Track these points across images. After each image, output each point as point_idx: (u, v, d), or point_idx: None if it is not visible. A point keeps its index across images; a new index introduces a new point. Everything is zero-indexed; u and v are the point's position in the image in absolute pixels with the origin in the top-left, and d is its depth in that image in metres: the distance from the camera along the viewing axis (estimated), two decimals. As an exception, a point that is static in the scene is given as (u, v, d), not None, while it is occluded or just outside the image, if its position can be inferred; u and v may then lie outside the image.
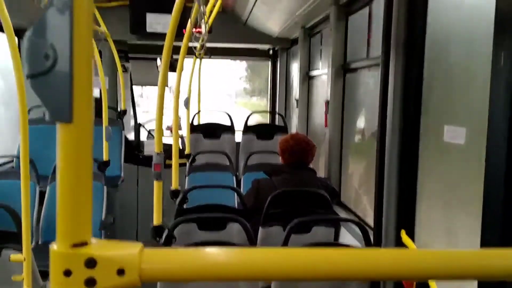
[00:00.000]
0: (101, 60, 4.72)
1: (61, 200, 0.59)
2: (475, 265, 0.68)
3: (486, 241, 1.76)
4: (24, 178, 2.25)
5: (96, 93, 6.11)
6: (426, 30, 2.33)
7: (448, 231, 2.12)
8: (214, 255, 0.62)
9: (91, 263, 0.59)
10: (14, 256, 2.39)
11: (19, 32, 4.55)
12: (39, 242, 3.90)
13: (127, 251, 0.61)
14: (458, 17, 2.08)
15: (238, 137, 5.91)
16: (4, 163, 4.88)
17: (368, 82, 3.35)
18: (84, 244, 0.60)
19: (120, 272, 0.60)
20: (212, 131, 5.82)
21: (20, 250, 2.35)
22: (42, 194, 3.98)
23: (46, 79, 0.56)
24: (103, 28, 4.78)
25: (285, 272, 0.64)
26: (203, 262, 0.61)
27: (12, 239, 2.54)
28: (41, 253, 3.25)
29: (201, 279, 0.60)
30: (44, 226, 3.96)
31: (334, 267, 0.65)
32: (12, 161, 4.85)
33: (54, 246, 0.61)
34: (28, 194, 2.27)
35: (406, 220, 2.45)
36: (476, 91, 1.92)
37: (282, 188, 3.30)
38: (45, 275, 2.73)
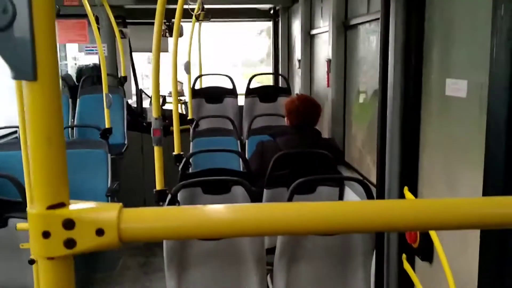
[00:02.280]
0: (98, 27, 4.64)
1: (34, 162, 0.58)
2: (477, 214, 0.66)
3: (488, 195, 1.75)
4: (24, 148, 2.25)
5: (95, 60, 6.07)
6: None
7: (451, 187, 2.10)
8: (193, 214, 0.61)
9: (69, 224, 0.59)
10: (20, 224, 2.43)
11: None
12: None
13: (105, 211, 0.60)
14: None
15: (241, 100, 5.86)
16: (10, 134, 4.90)
17: (370, 38, 3.27)
18: (61, 205, 0.59)
19: (99, 232, 0.59)
20: (214, 95, 5.78)
21: (26, 218, 2.38)
22: None
23: (6, 35, 0.53)
24: (99, -7, 4.68)
25: (286, 226, 0.63)
26: (182, 220, 0.59)
27: (18, 209, 2.57)
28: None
29: (180, 237, 0.59)
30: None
31: (336, 220, 0.63)
32: (16, 132, 4.87)
33: (32, 209, 0.60)
34: (28, 162, 2.27)
35: (409, 177, 2.44)
36: (478, 43, 1.86)
37: (286, 149, 3.29)
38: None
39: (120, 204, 0.61)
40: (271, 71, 7.38)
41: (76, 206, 0.60)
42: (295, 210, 0.64)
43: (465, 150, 2.00)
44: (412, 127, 2.42)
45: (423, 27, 2.30)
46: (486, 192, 1.77)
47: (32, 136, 0.57)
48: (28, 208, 0.59)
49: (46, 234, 0.58)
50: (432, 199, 0.73)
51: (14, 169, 3.24)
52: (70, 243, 0.58)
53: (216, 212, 0.60)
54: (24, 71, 0.54)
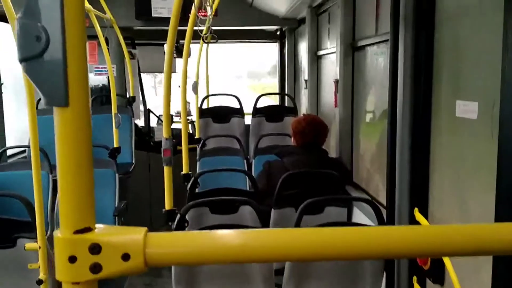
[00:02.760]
0: (108, 48, 4.70)
1: (62, 186, 0.58)
2: (489, 240, 0.66)
3: (501, 217, 1.74)
4: (36, 168, 2.26)
5: (104, 80, 6.13)
6: (435, 3, 2.27)
7: (462, 208, 2.09)
8: (220, 238, 0.61)
9: (95, 248, 0.59)
10: (29, 244, 2.43)
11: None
12: (54, 230, 3.95)
13: (131, 235, 0.60)
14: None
15: (248, 119, 5.89)
16: (18, 153, 4.93)
17: (378, 59, 3.29)
18: (87, 230, 0.59)
19: (125, 257, 0.59)
20: (221, 114, 5.80)
21: (35, 238, 2.38)
22: (55, 183, 4.00)
23: (39, 62, 0.54)
24: (108, 15, 4.75)
25: (294, 252, 0.63)
26: (208, 245, 0.60)
27: (27, 229, 2.57)
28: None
29: (207, 262, 0.59)
30: (58, 214, 4.00)
31: (347, 246, 0.63)
32: (25, 151, 4.89)
33: (58, 233, 0.60)
34: (40, 184, 2.29)
35: (419, 197, 2.43)
36: (488, 64, 1.87)
37: (293, 169, 3.29)
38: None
39: (145, 228, 0.62)
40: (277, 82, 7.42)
41: (102, 230, 0.60)
42: (310, 235, 0.64)
43: (476, 171, 1.99)
44: (422, 148, 2.42)
45: (433, 48, 2.31)
46: (498, 213, 1.76)
47: (61, 161, 0.58)
48: (54, 232, 0.60)
49: (72, 259, 0.58)
50: (443, 225, 0.73)
51: (23, 188, 3.25)
52: (96, 268, 0.59)
53: (246, 235, 0.60)
54: (57, 97, 0.55)
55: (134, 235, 0.60)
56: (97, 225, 0.60)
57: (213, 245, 0.60)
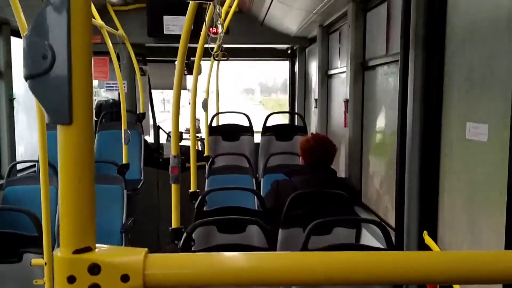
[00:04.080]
0: (119, 64, 4.75)
1: (63, 205, 0.58)
2: (501, 268, 0.64)
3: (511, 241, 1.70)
4: (44, 183, 2.26)
5: (115, 96, 6.18)
6: (446, 25, 2.27)
7: (472, 231, 2.05)
8: (220, 260, 0.60)
9: (94, 269, 0.58)
10: (36, 260, 2.41)
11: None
12: (54, 250, 3.94)
13: (131, 256, 0.59)
14: (478, 11, 2.02)
15: (257, 138, 5.89)
16: (27, 168, 4.96)
17: (388, 79, 3.29)
18: (87, 249, 0.59)
19: (125, 278, 0.58)
20: (231, 132, 5.81)
21: (41, 254, 2.37)
22: None
23: (45, 80, 0.54)
24: (120, 31, 4.81)
25: (299, 276, 0.61)
26: (208, 267, 0.58)
27: (33, 244, 2.56)
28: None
29: (207, 284, 0.57)
30: (66, 230, 4.00)
31: (355, 271, 0.62)
32: (35, 165, 4.92)
33: (57, 253, 0.59)
34: (48, 199, 2.29)
35: (429, 220, 2.39)
36: (499, 86, 1.86)
37: (302, 189, 3.26)
38: (66, 278, 2.74)
39: (146, 249, 0.61)
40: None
41: (102, 250, 0.59)
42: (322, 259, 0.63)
43: (486, 194, 1.96)
44: (431, 169, 2.39)
45: (443, 69, 2.30)
46: (510, 237, 1.72)
47: (63, 178, 0.57)
48: (54, 251, 0.59)
49: (71, 279, 0.57)
50: (453, 252, 0.72)
51: (31, 203, 3.26)
52: (95, 289, 0.58)
53: (244, 259, 0.59)
54: (60, 115, 0.55)
55: (134, 256, 0.59)
56: (97, 245, 0.60)
57: (213, 267, 0.59)
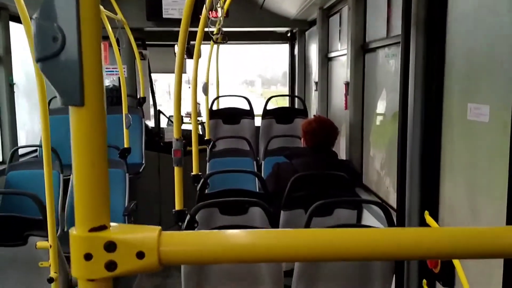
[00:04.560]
0: (119, 49, 4.73)
1: (78, 185, 0.59)
2: (501, 243, 0.66)
3: (513, 221, 1.72)
4: (47, 167, 2.28)
5: (115, 81, 6.17)
6: (448, 6, 2.26)
7: (473, 212, 2.08)
8: (233, 237, 0.61)
9: (110, 246, 0.59)
10: (41, 243, 2.44)
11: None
12: (65, 229, 3.98)
13: (146, 234, 0.61)
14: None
15: (258, 121, 5.89)
16: (29, 153, 4.97)
17: (389, 61, 3.28)
18: (103, 228, 0.60)
19: (140, 255, 0.60)
20: (231, 116, 5.82)
21: (46, 237, 2.40)
22: (66, 182, 4.04)
23: (56, 62, 0.55)
24: (119, 16, 4.78)
25: (310, 252, 0.63)
26: (222, 244, 0.60)
27: (38, 227, 2.59)
28: (67, 239, 3.31)
29: (220, 261, 0.59)
30: (69, 213, 4.04)
31: (357, 247, 0.64)
32: (36, 150, 4.94)
33: (73, 231, 0.61)
34: (51, 183, 2.30)
35: (430, 201, 2.42)
36: (500, 67, 1.86)
37: (303, 171, 3.29)
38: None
39: (159, 227, 0.62)
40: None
41: (117, 228, 0.61)
42: (325, 236, 0.64)
43: (488, 175, 1.98)
44: (433, 151, 2.41)
45: (444, 50, 2.30)
46: (511, 218, 1.75)
47: (76, 160, 0.58)
48: (70, 230, 0.61)
49: (88, 256, 0.59)
50: (454, 228, 0.73)
51: (35, 187, 3.28)
52: (111, 266, 0.59)
53: (258, 235, 0.61)
54: (72, 97, 0.56)
55: (148, 233, 0.61)
56: (111, 224, 0.61)
57: (227, 244, 0.61)
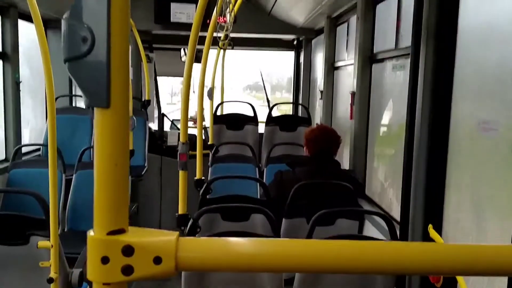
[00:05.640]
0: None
1: (99, 186, 0.58)
2: (505, 261, 0.65)
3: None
4: (52, 167, 2.27)
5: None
6: (458, 18, 2.26)
7: (478, 227, 2.07)
8: (250, 245, 0.61)
9: (128, 250, 0.59)
10: (42, 242, 2.43)
11: (45, 22, 4.61)
12: (65, 230, 3.97)
13: (163, 239, 0.60)
14: (491, 4, 2.02)
15: (261, 128, 5.89)
16: (31, 151, 4.97)
17: (396, 73, 3.28)
18: (121, 231, 0.60)
19: (157, 260, 0.59)
20: (235, 122, 5.81)
21: (47, 237, 2.39)
22: (67, 183, 4.04)
23: (84, 63, 0.55)
24: (128, 18, 4.79)
25: (311, 263, 0.62)
26: (239, 252, 0.59)
27: (40, 226, 2.58)
28: (67, 240, 3.30)
29: (237, 269, 0.58)
30: (70, 214, 4.03)
31: (359, 260, 0.63)
32: (39, 149, 4.93)
33: (91, 233, 0.60)
34: (55, 182, 2.30)
35: (434, 214, 2.41)
36: (510, 83, 1.86)
37: (305, 180, 3.28)
38: (71, 261, 2.77)
39: (177, 232, 0.62)
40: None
41: (135, 232, 0.60)
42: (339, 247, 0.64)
43: (494, 190, 1.97)
44: (439, 164, 2.40)
45: (454, 64, 2.30)
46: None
47: (99, 161, 0.58)
48: (88, 232, 0.60)
49: (105, 260, 0.58)
50: (458, 244, 0.73)
51: (37, 186, 3.27)
52: (127, 270, 0.59)
53: (276, 245, 0.60)
54: (99, 98, 0.55)
55: (166, 238, 0.60)
56: (130, 227, 0.61)
57: (245, 252, 0.60)
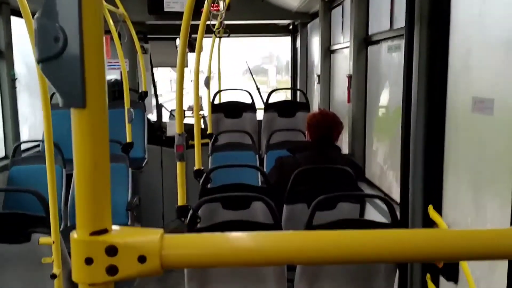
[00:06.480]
0: (120, 43, 4.71)
1: (79, 187, 0.58)
2: (505, 244, 0.65)
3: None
4: (50, 163, 2.27)
5: (117, 75, 6.16)
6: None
7: (477, 207, 2.07)
8: (236, 241, 0.60)
9: (112, 250, 0.58)
10: (43, 239, 2.44)
11: (38, 17, 4.57)
12: (68, 225, 3.99)
13: (147, 237, 0.60)
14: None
15: (260, 115, 5.87)
16: (31, 148, 4.97)
17: (392, 54, 3.26)
18: (104, 231, 0.59)
19: (141, 259, 0.59)
20: (233, 110, 5.80)
21: (48, 233, 2.39)
22: (69, 177, 4.04)
23: (57, 63, 0.54)
24: (121, 9, 4.76)
25: (308, 255, 0.62)
26: (224, 247, 0.59)
27: (40, 223, 2.58)
28: (69, 235, 3.31)
29: (222, 264, 0.58)
30: (72, 209, 4.04)
31: (362, 250, 0.63)
32: (39, 145, 4.93)
33: (74, 234, 0.60)
34: (54, 179, 2.30)
35: (434, 195, 2.40)
36: (506, 59, 1.84)
37: (306, 165, 3.27)
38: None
39: (161, 230, 0.61)
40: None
41: (118, 232, 0.60)
42: (330, 239, 0.63)
43: (492, 169, 1.96)
44: (436, 144, 2.39)
45: (448, 43, 2.28)
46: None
47: (78, 162, 0.57)
48: (71, 233, 0.60)
49: (88, 261, 0.58)
50: (458, 230, 0.72)
51: (38, 183, 3.28)
52: (112, 270, 0.58)
53: (261, 238, 0.60)
54: (74, 98, 0.54)
55: (150, 237, 0.60)
56: (113, 227, 0.60)
57: (229, 247, 0.60)
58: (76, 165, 0.57)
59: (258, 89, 6.95)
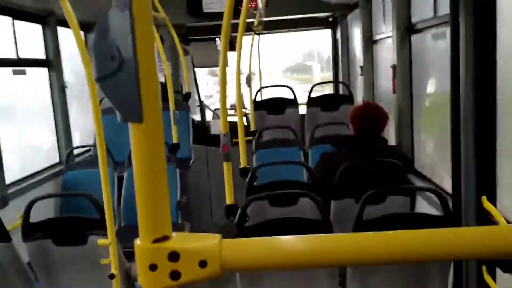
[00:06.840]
0: (162, 46, 4.81)
1: (139, 198, 0.60)
2: None
3: None
4: (103, 167, 2.35)
5: (160, 78, 6.29)
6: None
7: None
8: (289, 243, 0.61)
9: (174, 256, 0.61)
10: (101, 240, 2.53)
11: (85, 26, 4.73)
12: (122, 225, 4.12)
13: (207, 242, 0.62)
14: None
15: (302, 110, 5.85)
16: (84, 152, 5.15)
17: (437, 42, 3.17)
18: (165, 238, 0.62)
19: (202, 263, 0.61)
20: (275, 106, 5.80)
21: (104, 235, 2.48)
22: (120, 179, 4.17)
23: (114, 80, 0.56)
24: (161, 13, 4.85)
25: (361, 257, 0.62)
26: (279, 250, 0.60)
27: (96, 226, 2.68)
28: (124, 235, 3.42)
29: (278, 267, 0.59)
30: (125, 209, 4.16)
31: (413, 250, 0.62)
32: (90, 150, 5.11)
33: (137, 242, 0.62)
34: (107, 183, 2.38)
35: (487, 185, 2.33)
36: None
37: (351, 159, 3.24)
38: (129, 256, 2.87)
39: (219, 235, 0.63)
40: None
41: (179, 238, 0.62)
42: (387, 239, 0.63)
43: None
44: (488, 132, 2.31)
45: (495, 29, 2.20)
46: None
47: (137, 174, 0.60)
48: (134, 242, 0.62)
49: (153, 267, 0.61)
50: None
51: (92, 186, 3.41)
52: (175, 275, 0.61)
53: (316, 241, 0.60)
54: (131, 113, 0.57)
55: (209, 242, 0.62)
56: (173, 233, 0.62)
57: (284, 250, 0.61)
58: (136, 177, 0.60)
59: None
